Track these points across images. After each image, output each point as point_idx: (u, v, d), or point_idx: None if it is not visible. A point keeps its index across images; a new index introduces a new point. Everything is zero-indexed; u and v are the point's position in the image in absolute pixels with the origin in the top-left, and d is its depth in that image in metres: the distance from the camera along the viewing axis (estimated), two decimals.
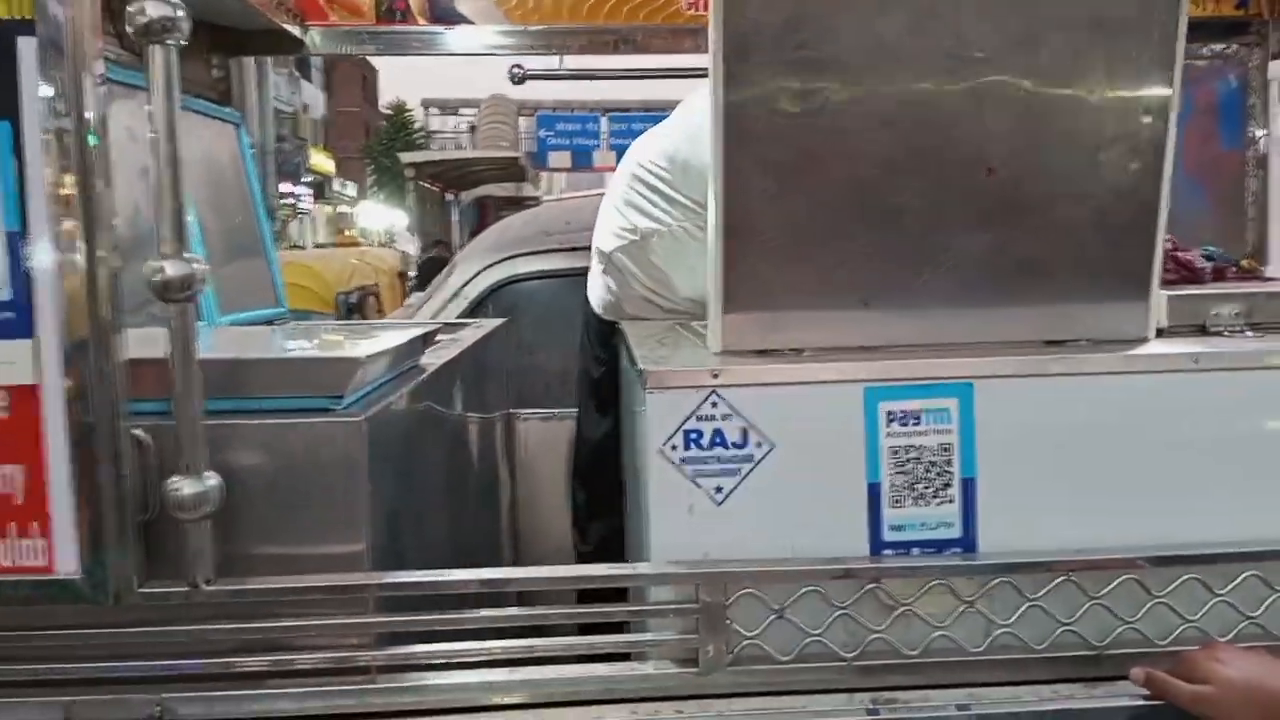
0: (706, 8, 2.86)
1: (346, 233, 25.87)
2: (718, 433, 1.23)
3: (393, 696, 1.19)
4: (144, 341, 1.18)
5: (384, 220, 29.39)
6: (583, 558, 2.27)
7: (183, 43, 1.11)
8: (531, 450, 2.86)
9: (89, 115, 1.10)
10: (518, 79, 2.95)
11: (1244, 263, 1.72)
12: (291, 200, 24.62)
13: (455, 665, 1.19)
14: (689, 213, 1.86)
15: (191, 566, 1.15)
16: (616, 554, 1.86)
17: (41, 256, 1.11)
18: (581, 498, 2.27)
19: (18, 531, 1.14)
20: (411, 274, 11.61)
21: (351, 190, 35.50)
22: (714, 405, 1.23)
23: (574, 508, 2.33)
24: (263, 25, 2.62)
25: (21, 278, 1.11)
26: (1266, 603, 1.24)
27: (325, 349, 1.51)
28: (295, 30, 2.70)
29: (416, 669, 1.19)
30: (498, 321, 2.61)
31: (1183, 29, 1.29)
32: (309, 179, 28.79)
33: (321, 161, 31.62)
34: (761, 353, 1.31)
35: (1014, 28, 1.28)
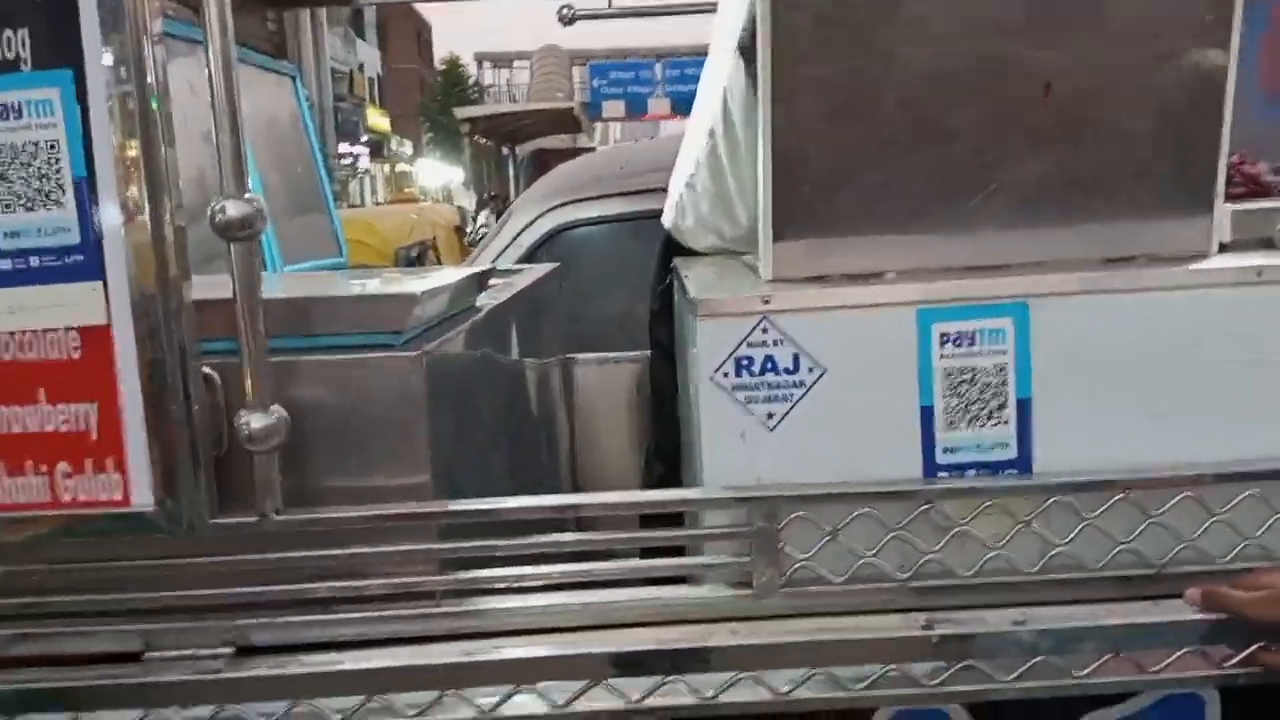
0: None
1: (405, 190, 26.10)
2: (769, 359, 1.24)
3: (457, 620, 1.23)
4: (211, 286, 1.23)
5: (442, 177, 29.57)
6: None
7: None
8: (589, 395, 2.88)
9: (150, 59, 1.13)
10: (567, 20, 2.94)
11: None
12: (350, 160, 24.85)
13: (515, 590, 1.23)
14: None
15: (261, 497, 1.20)
16: None
17: (108, 201, 1.15)
18: (651, 446, 2.28)
19: (94, 467, 1.19)
20: (468, 229, 11.70)
21: (408, 148, 35.73)
22: (765, 331, 1.24)
23: (646, 458, 2.34)
24: None
25: (89, 222, 1.15)
26: None
27: (383, 287, 1.54)
28: None
29: (479, 594, 1.23)
30: (551, 266, 2.63)
31: None
32: (366, 138, 29.01)
33: (378, 120, 31.83)
34: (814, 279, 1.31)
35: None
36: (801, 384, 1.24)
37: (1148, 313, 1.24)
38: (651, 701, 1.11)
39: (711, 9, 3.24)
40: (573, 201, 3.21)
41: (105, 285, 1.16)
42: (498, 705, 1.13)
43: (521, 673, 1.13)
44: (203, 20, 1.12)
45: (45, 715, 1.14)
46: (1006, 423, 1.24)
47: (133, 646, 1.21)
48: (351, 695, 1.13)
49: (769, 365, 1.24)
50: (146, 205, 1.15)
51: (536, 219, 3.21)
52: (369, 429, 1.25)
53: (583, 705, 1.12)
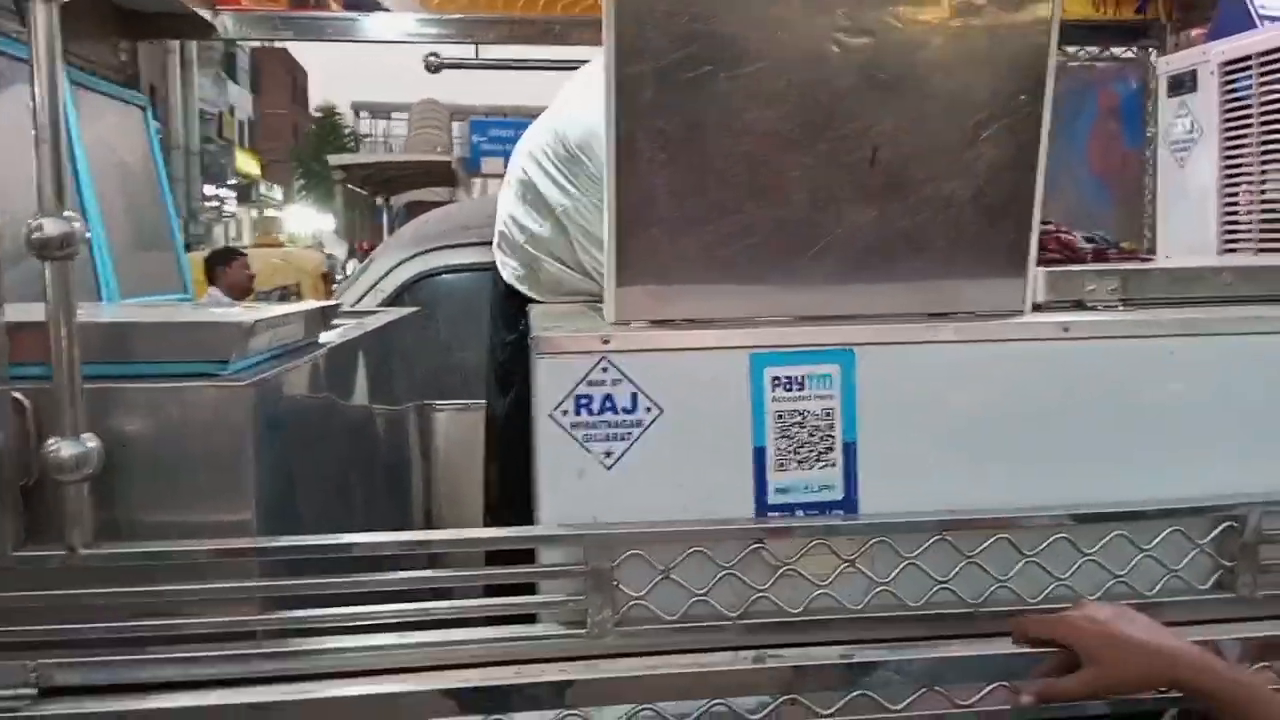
0: None
1: (273, 234, 25.44)
2: (608, 398, 1.25)
3: (279, 661, 1.18)
4: (28, 311, 1.17)
5: (312, 224, 28.97)
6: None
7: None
8: (448, 441, 2.84)
9: None
10: (433, 68, 2.95)
11: (1125, 245, 1.79)
12: (216, 203, 24.13)
13: (346, 630, 1.19)
14: (588, 194, 1.87)
15: (70, 530, 1.14)
16: None
17: None
18: (494, 477, 2.27)
19: None
20: (338, 277, 11.46)
21: (278, 194, 34.93)
22: (604, 370, 1.25)
23: (485, 490, 2.33)
24: (172, 8, 2.59)
25: None
26: (1133, 561, 1.29)
27: (212, 315, 1.49)
28: (206, 14, 2.67)
29: (304, 634, 1.19)
30: (408, 310, 2.60)
31: (1057, 14, 1.34)
32: (234, 181, 28.26)
33: (248, 163, 31.06)
34: (655, 323, 1.34)
35: (897, 11, 1.32)
36: (639, 423, 1.26)
37: (965, 363, 1.30)
38: None
39: (573, 66, 3.31)
40: (438, 248, 3.19)
41: None
42: None
43: (342, 713, 1.09)
44: (29, 28, 1.09)
45: None
46: (834, 464, 1.28)
47: None
48: None
49: (608, 404, 1.25)
50: None
51: (400, 264, 3.18)
52: (191, 462, 1.20)
53: None
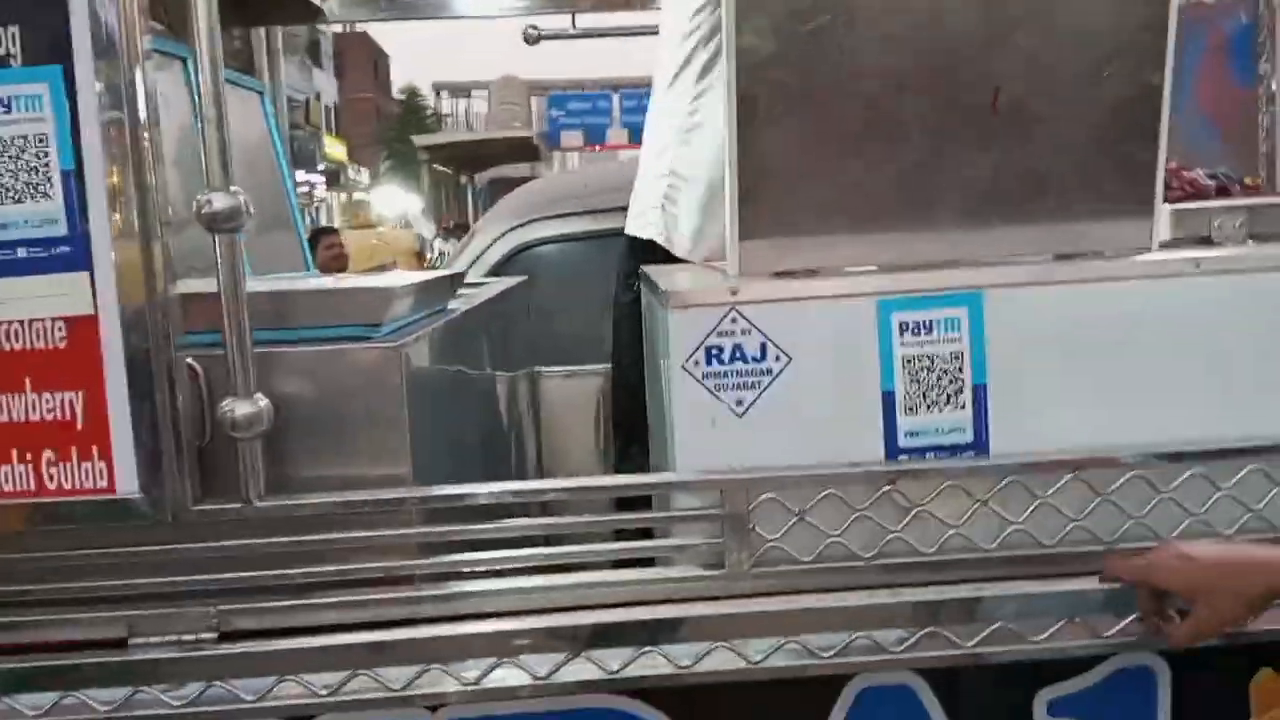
0: None
1: (363, 216, 26.01)
2: (737, 347, 1.29)
3: (436, 605, 1.25)
4: (193, 287, 1.26)
5: (399, 205, 29.51)
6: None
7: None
8: (555, 407, 2.92)
9: (136, 59, 1.16)
10: (532, 39, 3.00)
11: (1247, 180, 1.76)
12: (306, 187, 24.72)
13: (492, 574, 1.26)
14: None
15: (245, 484, 1.22)
16: None
17: (96, 194, 1.18)
18: (621, 441, 2.33)
19: (79, 455, 1.21)
20: (428, 255, 11.70)
21: (365, 177, 35.63)
22: (733, 321, 1.29)
23: (616, 437, 2.40)
24: None
25: (77, 214, 1.18)
26: (1269, 496, 1.29)
27: (361, 282, 1.57)
28: None
29: (457, 578, 1.26)
30: (518, 279, 2.67)
31: None
32: (323, 166, 28.88)
33: (335, 148, 31.71)
34: (780, 274, 1.37)
35: None
36: (769, 372, 1.29)
37: (1094, 303, 1.31)
38: (629, 671, 1.15)
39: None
40: (537, 220, 3.25)
41: (92, 276, 1.19)
42: (480, 679, 1.16)
43: (502, 646, 1.16)
44: (190, 18, 1.16)
45: (35, 695, 1.15)
46: (964, 407, 1.30)
47: (117, 633, 1.23)
48: (337, 671, 1.15)
49: (737, 354, 1.29)
50: (134, 198, 1.18)
51: (500, 237, 3.25)
52: (350, 419, 1.28)
53: (565, 676, 1.15)
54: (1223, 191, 1.62)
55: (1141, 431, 1.29)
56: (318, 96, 31.60)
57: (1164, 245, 1.41)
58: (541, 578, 1.27)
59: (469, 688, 1.15)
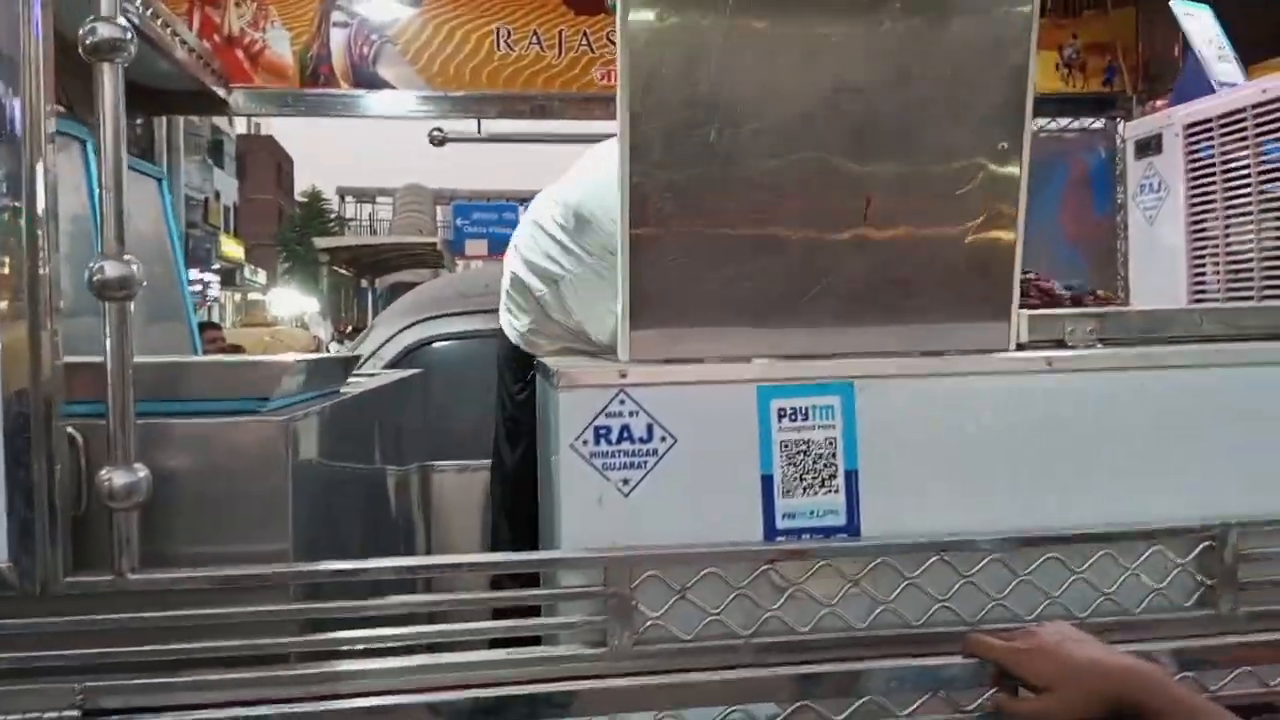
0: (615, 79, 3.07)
1: (256, 315, 25.56)
2: (625, 428, 1.33)
3: (313, 685, 1.23)
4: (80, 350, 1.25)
5: (296, 307, 29.12)
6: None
7: (127, 63, 1.20)
8: (446, 501, 2.90)
9: (40, 142, 1.17)
10: (438, 141, 3.08)
11: (1101, 292, 1.91)
12: (200, 286, 24.25)
13: (372, 653, 1.25)
14: (589, 262, 1.98)
15: (119, 556, 1.20)
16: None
17: None
18: (505, 532, 2.33)
19: None
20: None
21: (262, 277, 35.13)
22: (622, 402, 1.33)
23: (494, 535, 2.39)
24: (188, 86, 2.71)
25: None
26: (1119, 580, 1.37)
27: (253, 358, 1.57)
28: (220, 91, 2.80)
29: (335, 656, 1.25)
30: (412, 371, 2.68)
31: (1033, 65, 1.47)
32: (218, 265, 28.44)
33: (232, 248, 31.28)
34: (666, 361, 1.42)
35: (886, 73, 1.44)
36: (655, 452, 1.34)
37: (957, 396, 1.39)
38: None
39: (580, 140, 3.45)
40: (434, 317, 3.28)
41: None
42: None
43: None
44: (96, 93, 1.19)
45: None
46: (837, 490, 1.36)
47: None
48: None
49: (625, 434, 1.34)
50: (25, 283, 1.18)
51: (398, 333, 3.27)
52: (232, 494, 1.27)
53: None
54: (1076, 301, 1.76)
55: (1002, 517, 1.37)
56: (217, 196, 31.27)
57: (1021, 346, 1.51)
58: (423, 656, 1.26)
59: None
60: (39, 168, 1.17)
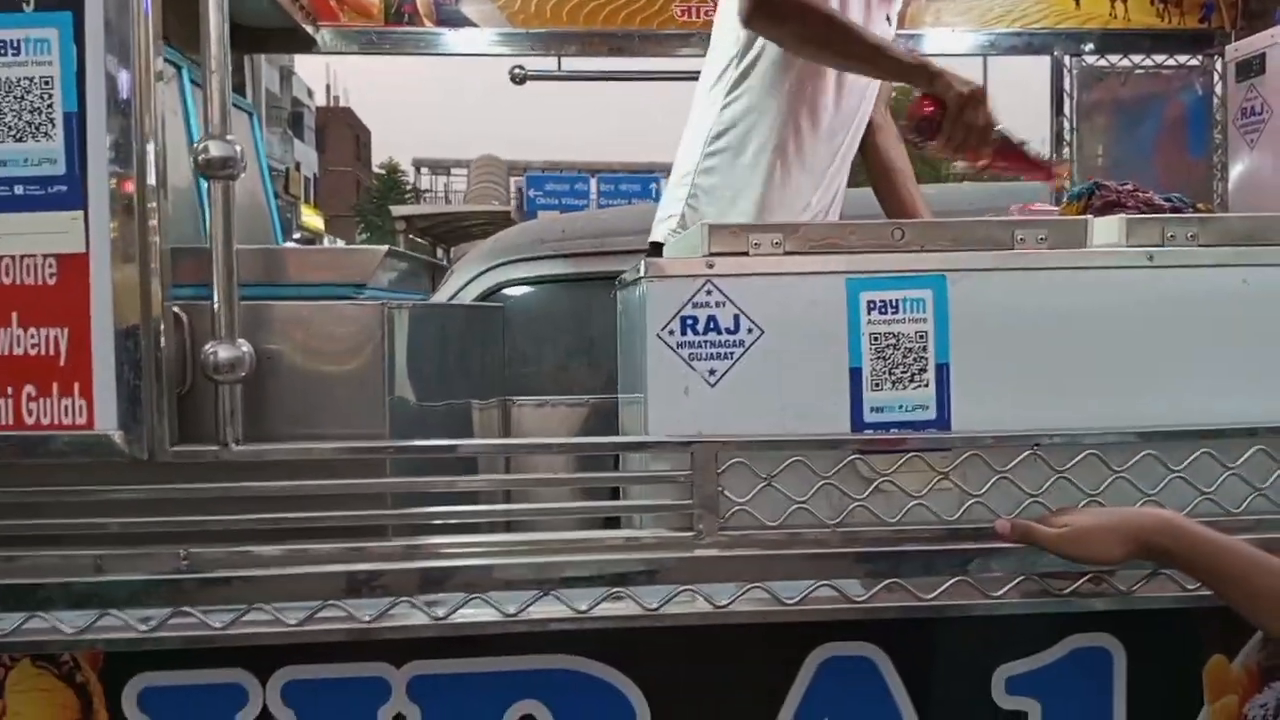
0: (697, 14, 3.04)
1: None
2: (712, 319, 1.33)
3: (406, 560, 1.26)
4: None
5: None
6: None
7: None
8: (526, 434, 2.93)
9: (144, 10, 1.21)
10: (519, 79, 3.09)
11: (1200, 205, 1.84)
12: None
13: (464, 527, 1.27)
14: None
15: (223, 427, 1.24)
16: None
17: (96, 138, 1.22)
18: None
19: (60, 391, 1.23)
20: None
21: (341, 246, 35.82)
22: (709, 293, 1.33)
23: None
24: (280, 23, 2.76)
25: (76, 154, 1.22)
26: (1219, 479, 1.34)
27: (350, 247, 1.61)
28: (309, 29, 2.84)
29: (429, 530, 1.27)
30: (495, 304, 2.71)
31: None
32: (299, 235, 29.04)
33: (312, 218, 31.91)
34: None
35: None
36: (741, 343, 1.33)
37: (1053, 289, 1.36)
38: (598, 611, 1.16)
39: (659, 78, 3.42)
40: (513, 261, 3.30)
41: (86, 216, 1.22)
42: (450, 614, 1.16)
43: (474, 581, 1.17)
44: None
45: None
46: (927, 385, 1.34)
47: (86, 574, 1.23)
48: (306, 600, 1.16)
49: (711, 325, 1.33)
50: (134, 144, 1.22)
51: (476, 276, 3.29)
52: (330, 374, 1.31)
53: (533, 613, 1.16)
54: (1176, 211, 1.70)
55: (1096, 413, 1.34)
56: (298, 167, 31.90)
57: None
58: (512, 535, 1.28)
59: (437, 621, 1.16)
60: (150, 90, 1.22)
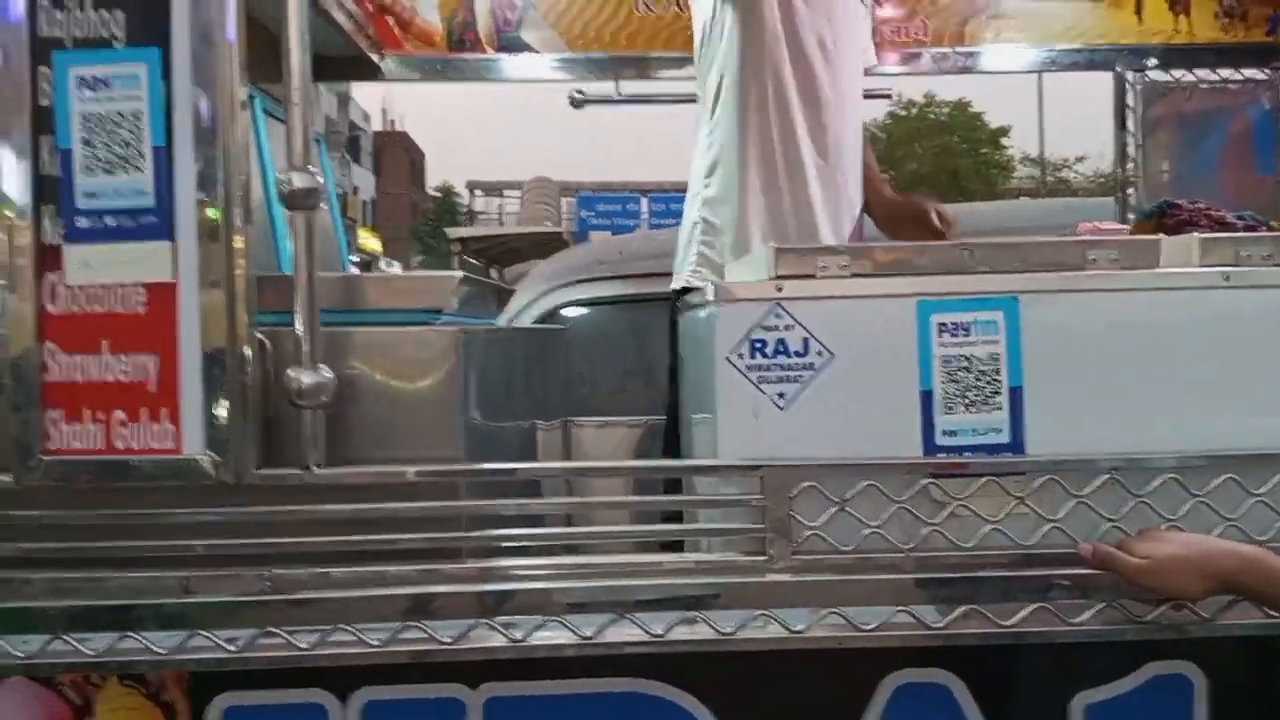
0: None
1: None
2: (781, 342, 1.34)
3: (480, 581, 1.28)
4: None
5: None
6: None
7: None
8: (587, 455, 2.95)
9: (230, 47, 1.26)
10: (578, 103, 3.12)
11: (1274, 223, 1.81)
12: None
13: (537, 550, 1.29)
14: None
15: (305, 451, 1.27)
16: None
17: (184, 170, 1.26)
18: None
19: (149, 416, 1.27)
20: None
21: (397, 269, 36.33)
22: (778, 316, 1.34)
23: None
24: (348, 51, 2.82)
25: (165, 186, 1.26)
26: None
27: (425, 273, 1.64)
28: (374, 58, 2.91)
29: (502, 553, 1.29)
30: (556, 326, 2.75)
31: None
32: (356, 258, 29.54)
33: (370, 241, 32.42)
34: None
35: None
36: (811, 366, 1.34)
37: (1125, 309, 1.35)
38: (674, 635, 1.17)
39: None
40: (573, 283, 3.33)
41: (174, 246, 1.27)
42: (526, 636, 1.18)
43: (550, 605, 1.19)
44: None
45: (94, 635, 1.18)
46: (1000, 408, 1.34)
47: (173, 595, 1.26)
48: (389, 621, 1.18)
49: (780, 348, 1.34)
50: (219, 175, 1.26)
51: (538, 298, 3.33)
52: (407, 399, 1.33)
53: (609, 637, 1.17)
54: (1250, 230, 1.68)
55: (1173, 436, 1.32)
56: (355, 190, 32.46)
57: None
58: (583, 557, 1.30)
59: (515, 644, 1.17)
60: (234, 122, 1.26)
